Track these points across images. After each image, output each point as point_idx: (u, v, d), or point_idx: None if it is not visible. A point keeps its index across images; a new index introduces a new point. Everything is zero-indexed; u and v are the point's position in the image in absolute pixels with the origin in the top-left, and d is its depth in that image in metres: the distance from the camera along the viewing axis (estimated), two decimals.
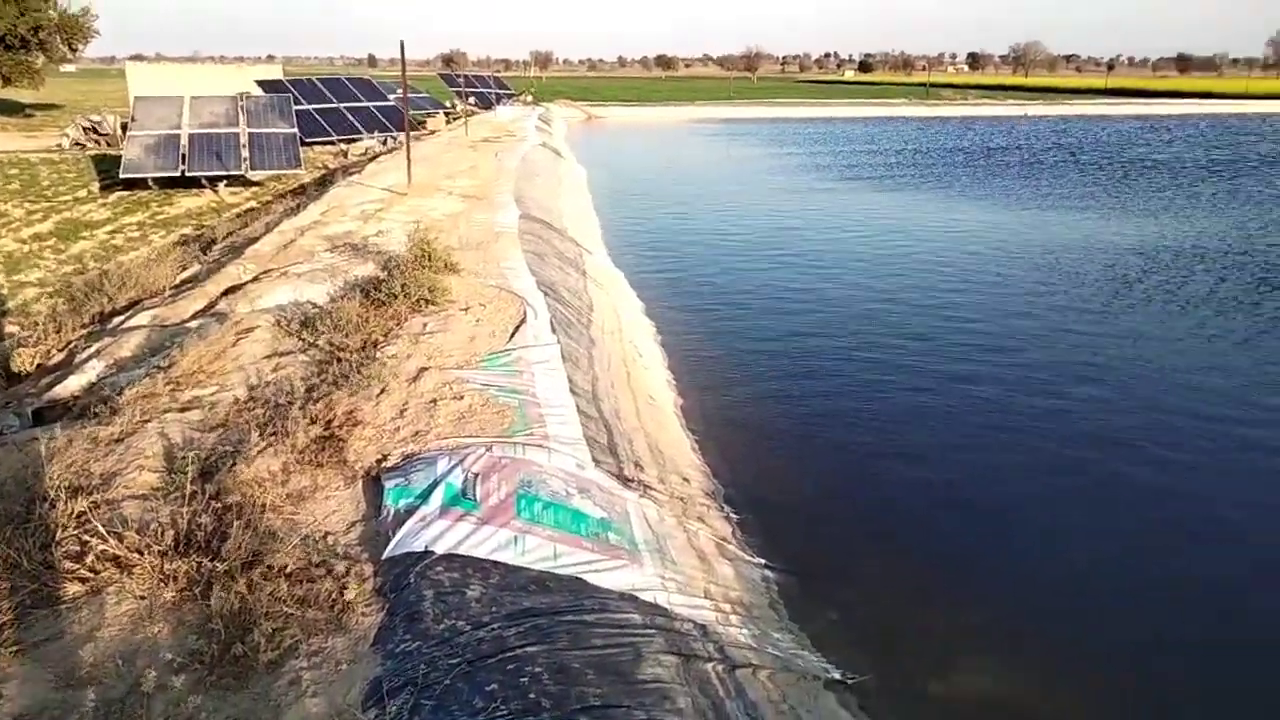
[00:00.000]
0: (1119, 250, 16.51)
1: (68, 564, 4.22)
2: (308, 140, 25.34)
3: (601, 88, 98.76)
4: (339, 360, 6.96)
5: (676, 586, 5.04)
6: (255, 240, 12.35)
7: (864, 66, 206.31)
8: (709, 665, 4.39)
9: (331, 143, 28.16)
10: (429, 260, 9.45)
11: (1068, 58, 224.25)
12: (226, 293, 9.39)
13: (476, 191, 17.25)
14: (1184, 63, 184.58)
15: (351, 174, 20.07)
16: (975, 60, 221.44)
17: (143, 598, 4.06)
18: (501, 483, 5.29)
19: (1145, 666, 5.28)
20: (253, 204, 18.23)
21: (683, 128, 53.40)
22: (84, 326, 8.83)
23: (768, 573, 5.87)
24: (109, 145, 23.83)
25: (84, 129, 25.20)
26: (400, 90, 24.36)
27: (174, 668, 3.66)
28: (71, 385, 6.73)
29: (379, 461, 5.55)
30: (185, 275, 10.96)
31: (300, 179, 21.06)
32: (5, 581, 4.07)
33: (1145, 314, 12.30)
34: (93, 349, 7.62)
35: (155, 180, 18.33)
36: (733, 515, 6.56)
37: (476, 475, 5.30)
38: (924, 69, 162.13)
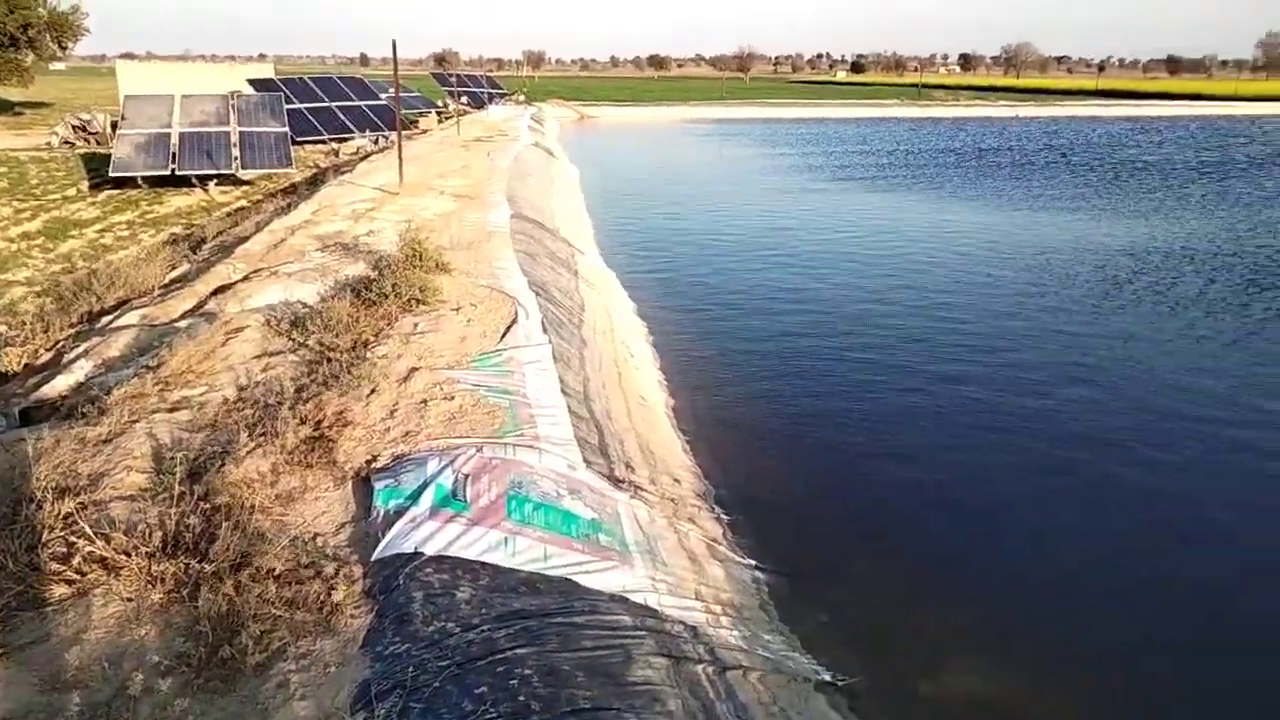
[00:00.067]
0: (1110, 251, 16.57)
1: (54, 566, 4.19)
2: (299, 139, 25.24)
3: (594, 87, 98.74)
4: (329, 360, 6.93)
5: (667, 588, 5.04)
6: (245, 239, 12.30)
7: (856, 67, 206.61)
8: (699, 667, 4.38)
9: (323, 142, 28.06)
10: (420, 260, 9.42)
11: (1059, 59, 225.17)
12: (216, 292, 9.35)
13: (468, 191, 17.22)
14: (1174, 64, 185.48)
15: (343, 173, 19.99)
16: (967, 61, 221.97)
17: (130, 600, 4.03)
18: (492, 484, 5.28)
19: (1133, 666, 5.29)
20: (243, 203, 18.15)
21: (675, 128, 53.42)
22: (72, 326, 8.77)
23: (758, 574, 5.87)
24: (98, 144, 23.68)
25: (73, 127, 25.03)
26: (392, 89, 24.29)
27: (161, 670, 3.63)
28: (59, 385, 6.69)
29: (369, 462, 5.53)
30: (174, 274, 10.91)
31: (291, 178, 20.97)
32: None
33: (1135, 315, 12.36)
34: (81, 349, 7.57)
35: (145, 179, 18.24)
36: (724, 516, 6.56)
37: (467, 476, 5.29)
38: (916, 70, 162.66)
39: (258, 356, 7.22)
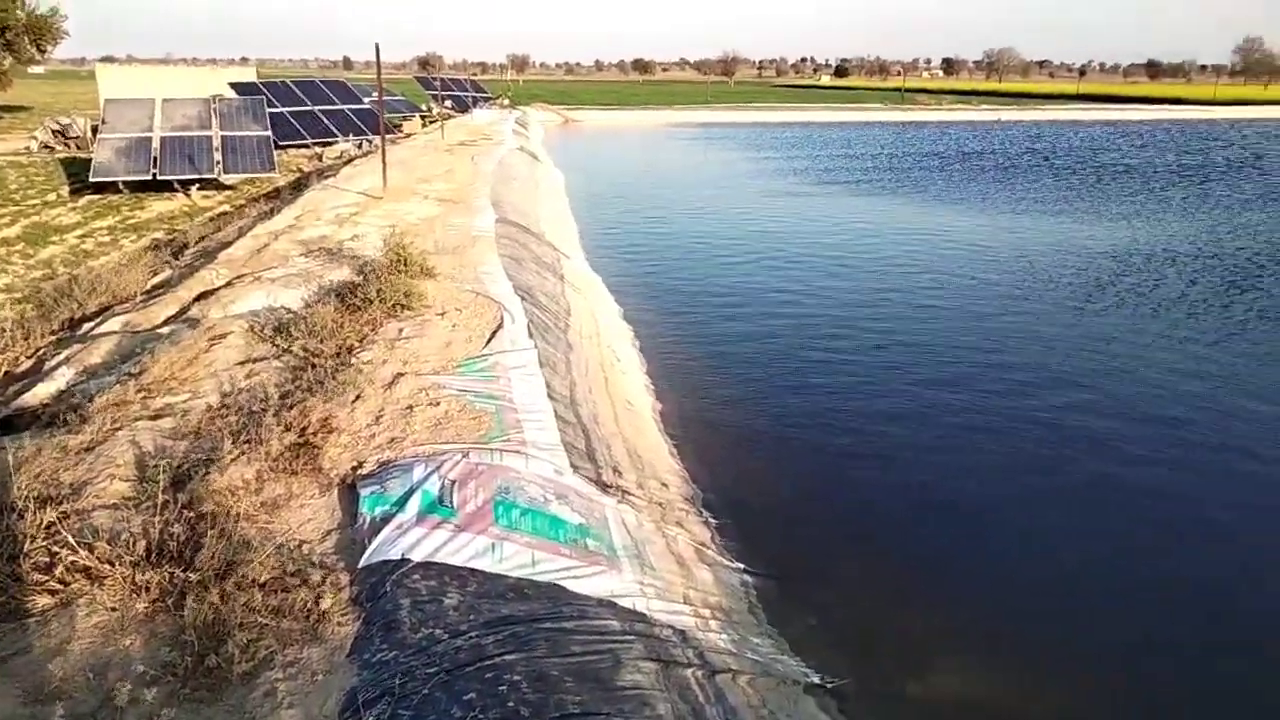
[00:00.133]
0: (1093, 254, 16.72)
1: (36, 576, 4.14)
2: (282, 143, 25.13)
3: (578, 91, 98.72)
4: (313, 366, 6.89)
5: (655, 592, 5.04)
6: (228, 245, 12.22)
7: (840, 71, 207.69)
8: (688, 671, 4.38)
9: (306, 146, 27.93)
10: (405, 265, 9.39)
11: (1040, 63, 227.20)
12: (199, 298, 9.28)
13: (453, 195, 17.17)
14: (1154, 69, 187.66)
15: (326, 178, 19.91)
16: (950, 65, 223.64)
17: (114, 609, 3.99)
18: (479, 489, 5.26)
19: (1120, 665, 5.33)
20: (226, 208, 18.03)
21: (660, 132, 53.48)
22: (53, 333, 8.68)
23: (746, 577, 5.88)
24: (78, 148, 23.48)
25: (53, 131, 24.80)
26: (376, 93, 24.21)
27: (146, 680, 3.60)
28: (40, 393, 6.62)
29: (354, 469, 5.50)
30: (157, 280, 10.82)
31: (274, 182, 20.85)
32: None
33: (1119, 316, 12.47)
34: (62, 356, 7.50)
35: (126, 184, 18.09)
36: (711, 520, 6.57)
37: (453, 482, 5.27)
38: (899, 74, 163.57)
39: (242, 363, 7.17)
